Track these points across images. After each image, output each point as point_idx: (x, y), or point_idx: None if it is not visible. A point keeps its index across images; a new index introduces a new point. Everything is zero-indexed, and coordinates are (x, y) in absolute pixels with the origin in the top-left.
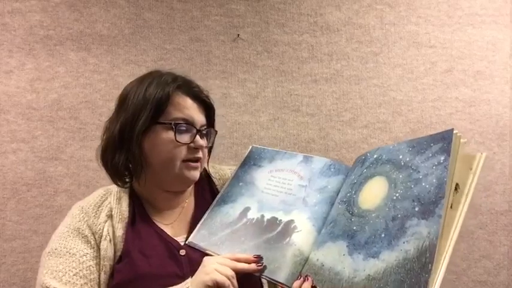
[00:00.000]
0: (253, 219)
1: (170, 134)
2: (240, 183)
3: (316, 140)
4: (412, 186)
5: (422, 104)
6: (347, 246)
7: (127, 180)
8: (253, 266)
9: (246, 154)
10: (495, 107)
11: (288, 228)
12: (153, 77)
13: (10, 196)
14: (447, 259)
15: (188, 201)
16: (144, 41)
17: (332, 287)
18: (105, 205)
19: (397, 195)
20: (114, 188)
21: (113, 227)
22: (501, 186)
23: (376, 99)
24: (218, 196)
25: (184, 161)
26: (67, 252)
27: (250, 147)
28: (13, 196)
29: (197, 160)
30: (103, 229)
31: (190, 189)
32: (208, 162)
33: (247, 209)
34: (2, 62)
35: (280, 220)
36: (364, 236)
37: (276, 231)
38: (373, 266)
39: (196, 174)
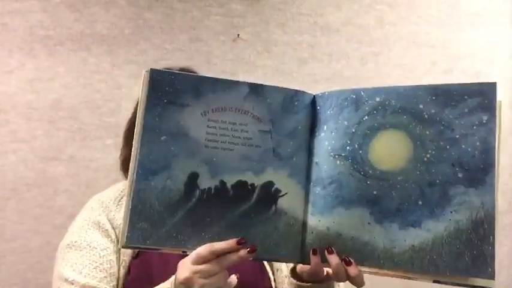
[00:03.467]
0: (210, 189)
1: None
2: (162, 137)
3: None
4: (448, 147)
5: None
6: (370, 213)
7: None
8: (242, 253)
9: (143, 85)
10: None
11: (267, 194)
12: None
13: (10, 196)
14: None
15: None
16: (144, 41)
17: (364, 258)
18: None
19: (429, 156)
20: None
21: None
22: (501, 186)
23: None
24: (134, 166)
25: None
26: (87, 245)
27: (148, 71)
28: (13, 196)
29: None
30: None
31: None
32: None
33: (193, 176)
34: (2, 62)
35: (252, 184)
36: (393, 203)
37: (252, 200)
38: (416, 236)
39: None
